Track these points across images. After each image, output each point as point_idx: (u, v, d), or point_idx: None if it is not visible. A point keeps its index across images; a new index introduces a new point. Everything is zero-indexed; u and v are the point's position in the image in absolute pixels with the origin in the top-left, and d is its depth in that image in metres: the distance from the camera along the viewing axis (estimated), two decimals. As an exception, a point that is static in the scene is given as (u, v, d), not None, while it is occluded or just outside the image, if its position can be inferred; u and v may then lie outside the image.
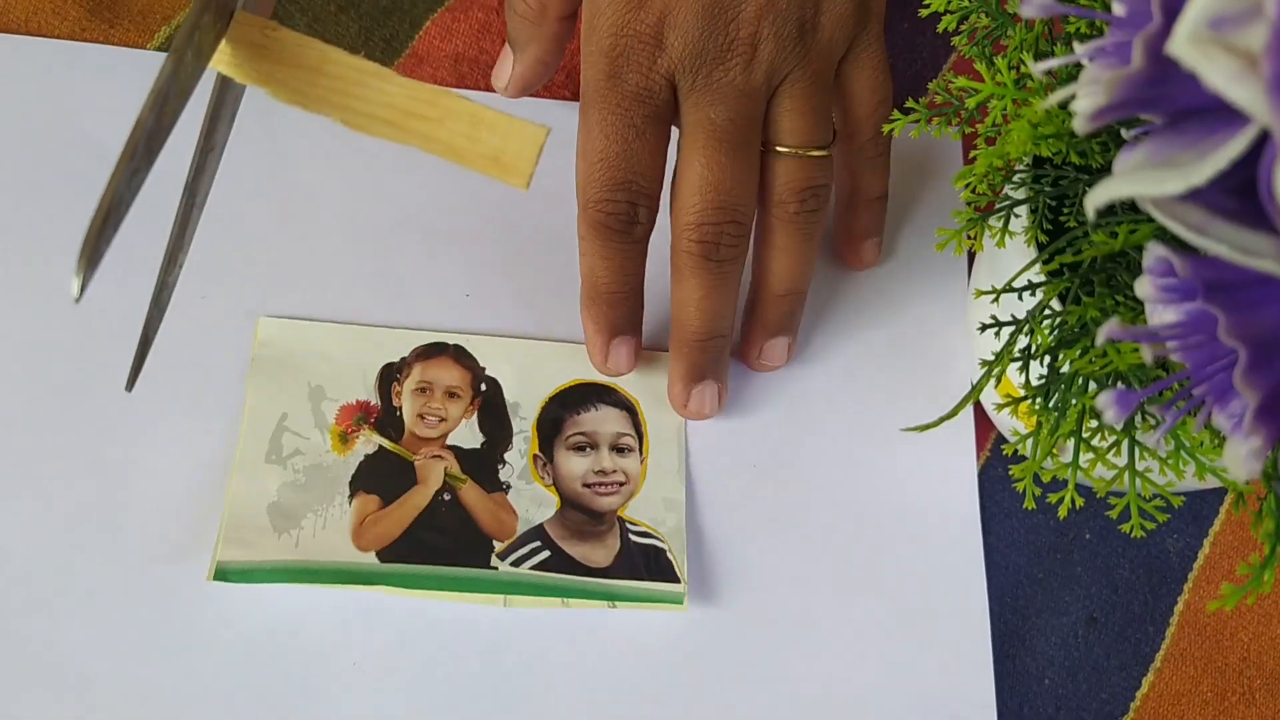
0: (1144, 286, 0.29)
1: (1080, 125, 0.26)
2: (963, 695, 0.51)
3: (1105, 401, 0.28)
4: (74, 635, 0.48)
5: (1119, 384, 0.35)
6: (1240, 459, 0.27)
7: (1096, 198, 0.25)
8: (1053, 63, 0.27)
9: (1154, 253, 0.28)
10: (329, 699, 0.48)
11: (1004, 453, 0.38)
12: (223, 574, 0.48)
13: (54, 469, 0.50)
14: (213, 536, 0.49)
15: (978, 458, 0.54)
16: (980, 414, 0.55)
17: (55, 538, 0.49)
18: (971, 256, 0.57)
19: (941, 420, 0.37)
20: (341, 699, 0.48)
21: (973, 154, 0.38)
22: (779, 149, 0.50)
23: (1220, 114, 0.25)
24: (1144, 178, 0.25)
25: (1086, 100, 0.26)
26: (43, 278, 0.53)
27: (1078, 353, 0.34)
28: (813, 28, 0.49)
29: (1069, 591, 0.53)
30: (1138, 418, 0.37)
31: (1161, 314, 0.29)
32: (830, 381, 0.56)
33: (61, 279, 0.53)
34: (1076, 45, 0.28)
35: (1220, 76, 0.22)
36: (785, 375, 0.55)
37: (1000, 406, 0.39)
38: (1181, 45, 0.23)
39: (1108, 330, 0.28)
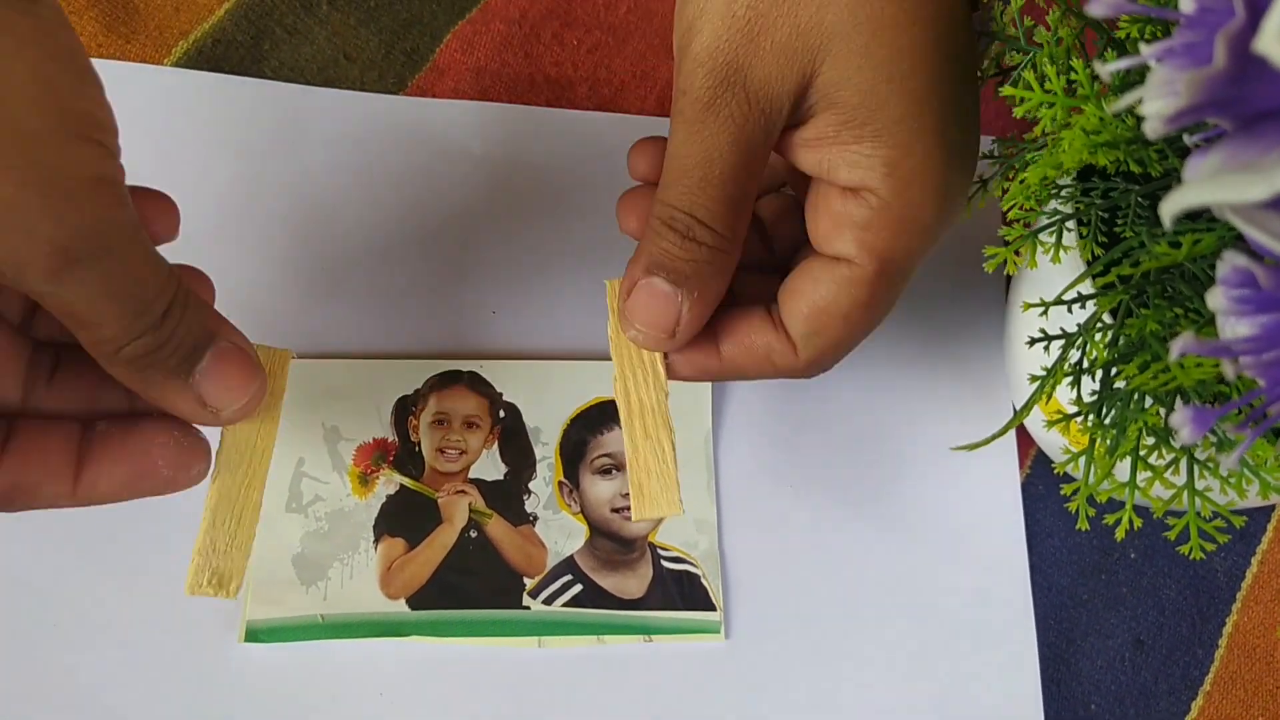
0: (1216, 298, 0.28)
1: (1153, 129, 0.25)
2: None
3: (1180, 420, 0.26)
4: (96, 666, 0.47)
5: (1179, 400, 0.34)
6: (1323, 479, 0.26)
7: (1173, 205, 0.24)
8: (1122, 63, 0.25)
9: (1230, 262, 0.26)
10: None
11: (1055, 472, 0.36)
12: (254, 635, 0.48)
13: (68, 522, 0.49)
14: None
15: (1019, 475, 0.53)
16: (1020, 430, 0.53)
17: (79, 589, 0.48)
18: (1009, 269, 0.56)
19: (992, 439, 0.35)
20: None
21: (1016, 173, 0.37)
22: None
23: (1304, 115, 0.24)
24: (1224, 183, 0.24)
25: (1161, 102, 0.25)
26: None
27: (1136, 368, 0.33)
28: None
29: (1114, 613, 0.51)
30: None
31: (1235, 327, 0.28)
32: (865, 400, 0.54)
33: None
34: (1143, 47, 0.27)
35: (1314, 74, 0.21)
36: (818, 393, 0.54)
37: (1050, 424, 0.38)
38: (1270, 42, 0.21)
39: (1182, 344, 0.26)
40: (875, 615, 0.50)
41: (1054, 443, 0.48)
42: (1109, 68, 0.26)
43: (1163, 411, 0.35)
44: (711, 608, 0.50)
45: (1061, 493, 0.49)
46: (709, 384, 0.53)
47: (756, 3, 0.36)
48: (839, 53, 0.36)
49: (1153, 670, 0.51)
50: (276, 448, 0.50)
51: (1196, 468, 0.36)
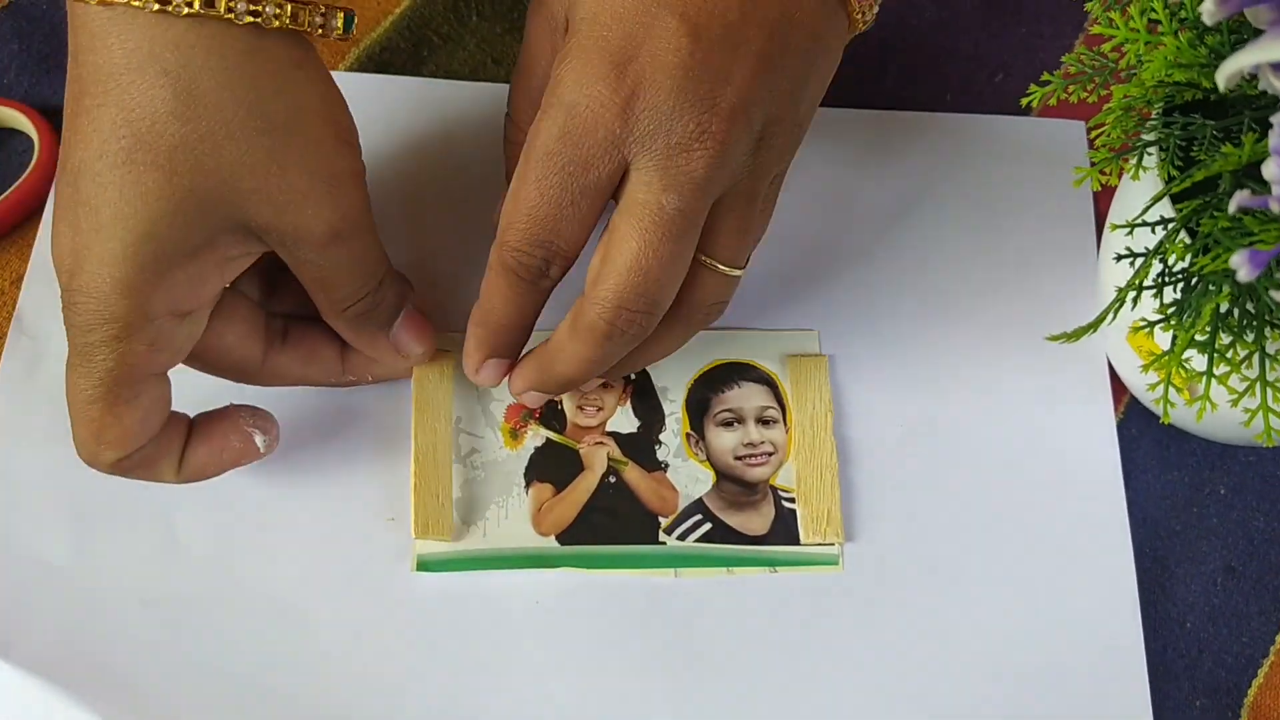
0: (1270, 169, 0.33)
1: (1209, 14, 0.30)
2: (1110, 639, 0.53)
3: (1238, 260, 0.31)
4: (296, 583, 0.53)
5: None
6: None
7: (1228, 67, 0.29)
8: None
9: None
10: (509, 641, 0.53)
11: (1142, 370, 0.42)
12: (424, 565, 0.54)
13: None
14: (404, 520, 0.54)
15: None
16: (1115, 379, 0.58)
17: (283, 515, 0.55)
18: (1100, 232, 0.61)
19: (1080, 332, 0.41)
20: (521, 642, 0.53)
21: (1106, 108, 0.43)
22: (707, 259, 0.48)
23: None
24: (1266, 48, 0.29)
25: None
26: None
27: (1210, 259, 0.38)
28: (767, 144, 0.46)
29: (1206, 542, 0.56)
30: (1267, 330, 0.40)
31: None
32: (972, 344, 0.59)
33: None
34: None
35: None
36: (928, 338, 0.59)
37: (1135, 328, 0.43)
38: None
39: (1239, 199, 0.31)
40: (985, 544, 0.55)
41: (1145, 385, 0.52)
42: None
43: (1225, 313, 0.39)
44: (829, 543, 0.55)
45: (1160, 421, 0.54)
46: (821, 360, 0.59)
47: None
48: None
49: (1244, 594, 0.55)
50: (430, 410, 0.56)
51: (1268, 361, 0.41)
